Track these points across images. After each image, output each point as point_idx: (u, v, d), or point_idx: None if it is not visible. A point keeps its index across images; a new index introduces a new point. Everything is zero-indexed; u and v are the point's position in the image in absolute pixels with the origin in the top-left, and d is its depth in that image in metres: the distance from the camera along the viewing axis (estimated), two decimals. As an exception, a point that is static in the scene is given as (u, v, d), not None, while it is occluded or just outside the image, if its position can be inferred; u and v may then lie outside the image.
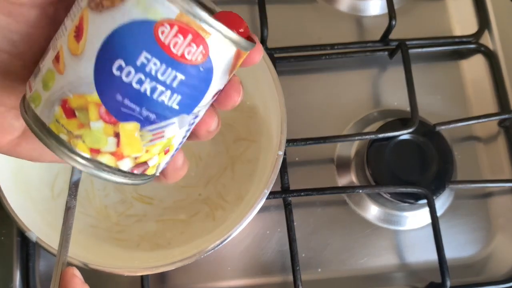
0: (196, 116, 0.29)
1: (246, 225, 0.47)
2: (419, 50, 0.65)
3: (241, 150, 0.56)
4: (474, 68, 0.67)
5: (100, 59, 0.25)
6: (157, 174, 0.31)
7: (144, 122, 0.27)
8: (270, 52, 0.62)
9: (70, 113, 0.27)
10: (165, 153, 0.30)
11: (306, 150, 0.61)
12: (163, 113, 0.27)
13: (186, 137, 0.31)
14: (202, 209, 0.54)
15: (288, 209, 0.56)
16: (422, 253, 0.59)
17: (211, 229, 0.52)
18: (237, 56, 0.28)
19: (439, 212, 0.59)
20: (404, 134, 0.59)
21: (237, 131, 0.56)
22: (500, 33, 0.67)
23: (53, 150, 0.27)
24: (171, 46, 0.25)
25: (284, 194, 0.56)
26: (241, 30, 0.29)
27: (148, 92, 0.26)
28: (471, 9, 0.70)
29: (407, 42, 0.63)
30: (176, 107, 0.27)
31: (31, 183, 0.53)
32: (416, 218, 0.60)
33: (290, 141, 0.57)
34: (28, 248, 0.55)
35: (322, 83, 0.65)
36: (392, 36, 0.64)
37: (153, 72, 0.25)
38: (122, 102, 0.26)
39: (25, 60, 0.30)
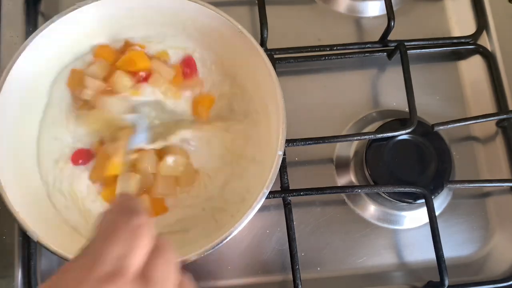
0: None
1: (246, 224, 0.47)
2: (418, 51, 0.65)
3: (246, 152, 0.55)
4: (472, 68, 0.67)
5: None
6: None
7: None
8: (270, 53, 0.62)
9: None
10: None
11: (306, 150, 0.61)
12: None
13: None
14: (205, 217, 0.54)
15: (287, 208, 0.56)
16: (421, 252, 0.60)
17: (213, 230, 0.51)
18: None
19: (437, 212, 0.59)
20: (403, 134, 0.59)
21: (242, 133, 0.56)
22: (498, 34, 0.68)
23: None
24: None
25: (283, 194, 0.57)
26: None
27: None
28: (469, 10, 0.70)
29: (406, 43, 0.64)
30: None
31: (32, 183, 0.53)
32: (414, 218, 0.61)
33: (289, 141, 0.57)
34: (29, 247, 0.56)
35: (322, 83, 0.66)
36: (391, 37, 0.64)
37: None
38: None
39: None
